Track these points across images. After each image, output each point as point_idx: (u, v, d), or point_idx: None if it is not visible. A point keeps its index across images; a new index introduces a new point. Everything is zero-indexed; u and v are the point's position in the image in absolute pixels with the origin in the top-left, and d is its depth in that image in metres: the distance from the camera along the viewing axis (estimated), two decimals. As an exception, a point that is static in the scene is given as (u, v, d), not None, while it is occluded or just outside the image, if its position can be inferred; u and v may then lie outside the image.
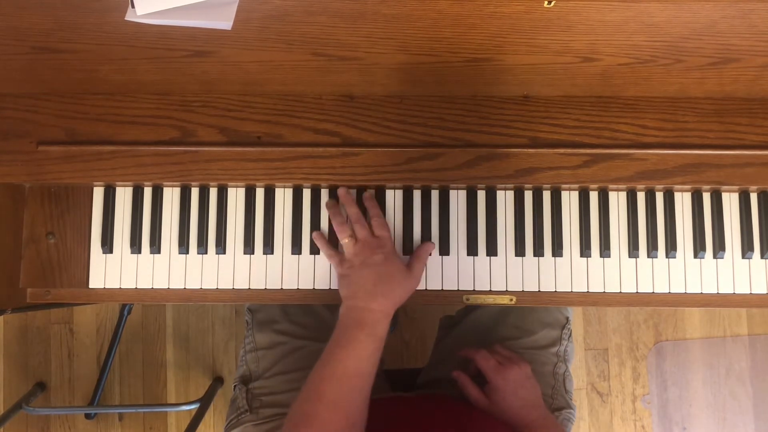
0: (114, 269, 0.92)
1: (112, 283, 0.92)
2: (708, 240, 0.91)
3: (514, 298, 0.91)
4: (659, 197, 0.92)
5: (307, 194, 0.93)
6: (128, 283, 0.92)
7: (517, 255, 0.91)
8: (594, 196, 0.92)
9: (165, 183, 0.92)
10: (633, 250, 0.91)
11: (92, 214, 0.93)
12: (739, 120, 0.88)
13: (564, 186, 0.91)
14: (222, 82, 0.87)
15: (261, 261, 0.92)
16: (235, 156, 0.88)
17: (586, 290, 0.91)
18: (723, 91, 0.87)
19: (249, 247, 0.92)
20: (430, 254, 0.91)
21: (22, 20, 0.77)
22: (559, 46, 0.80)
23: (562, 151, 0.87)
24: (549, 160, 0.88)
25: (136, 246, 0.92)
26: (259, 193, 0.93)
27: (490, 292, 0.91)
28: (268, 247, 0.92)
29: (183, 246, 0.92)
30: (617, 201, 0.92)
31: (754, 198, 0.91)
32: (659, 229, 0.91)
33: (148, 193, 0.93)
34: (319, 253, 0.92)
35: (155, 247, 0.92)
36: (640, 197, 0.92)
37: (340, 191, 0.90)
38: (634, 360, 1.73)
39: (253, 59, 0.83)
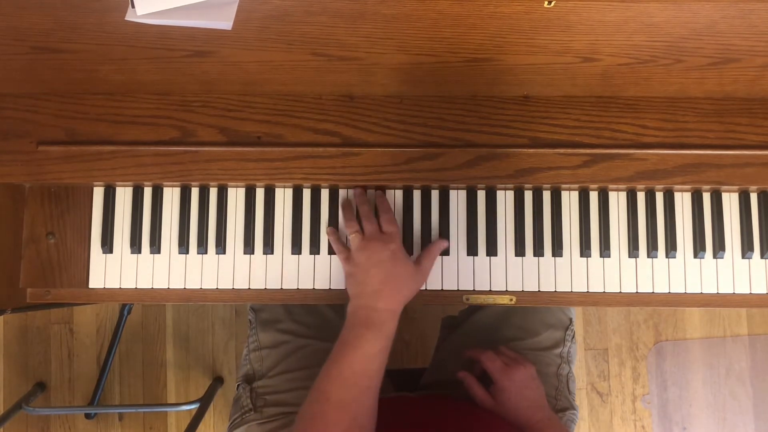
0: (114, 269, 0.92)
1: (112, 283, 0.92)
2: (708, 240, 0.91)
3: (514, 298, 0.91)
4: (659, 197, 0.92)
5: (307, 194, 0.93)
6: (128, 283, 0.92)
7: (517, 255, 0.91)
8: (594, 196, 0.92)
9: (165, 183, 0.92)
10: (633, 250, 0.91)
11: (92, 214, 0.93)
12: (739, 120, 0.88)
13: (564, 186, 0.91)
14: (222, 82, 0.87)
15: (261, 261, 0.92)
16: (235, 156, 0.88)
17: (586, 290, 0.91)
18: (723, 91, 0.87)
19: (249, 247, 0.92)
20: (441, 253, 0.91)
21: (22, 20, 0.77)
22: (559, 46, 0.80)
23: (562, 151, 0.87)
24: (549, 160, 0.88)
25: (136, 246, 0.92)
26: (259, 193, 0.93)
27: (490, 292, 0.91)
28: (268, 247, 0.92)
29: (183, 246, 0.92)
30: (617, 201, 0.92)
31: (754, 198, 0.91)
32: (659, 229, 0.91)
33: (148, 193, 0.93)
34: (319, 253, 0.92)
35: (155, 247, 0.92)
36: (640, 197, 0.92)
37: (356, 191, 0.91)
38: (634, 360, 1.73)
39: (253, 59, 0.83)
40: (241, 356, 1.07)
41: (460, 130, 0.88)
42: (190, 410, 1.50)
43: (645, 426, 1.73)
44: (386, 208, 0.89)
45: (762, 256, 0.91)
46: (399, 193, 0.93)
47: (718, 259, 0.91)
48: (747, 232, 0.91)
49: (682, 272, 0.91)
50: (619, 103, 0.88)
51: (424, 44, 0.80)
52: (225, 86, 0.87)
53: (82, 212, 0.93)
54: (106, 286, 0.92)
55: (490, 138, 0.88)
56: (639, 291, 0.91)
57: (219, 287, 0.92)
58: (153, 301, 0.94)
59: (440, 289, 0.91)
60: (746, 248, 0.91)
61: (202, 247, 0.92)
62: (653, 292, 0.91)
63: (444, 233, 0.92)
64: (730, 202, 0.92)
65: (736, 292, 0.91)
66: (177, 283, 0.92)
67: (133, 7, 0.73)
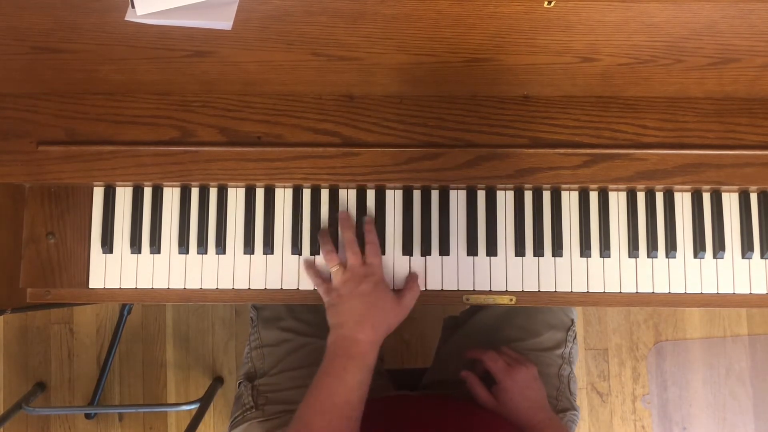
0: (114, 269, 0.92)
1: (112, 283, 0.92)
2: (708, 240, 0.91)
3: (514, 298, 0.91)
4: (659, 197, 0.92)
5: (307, 194, 0.93)
6: (128, 283, 0.92)
7: (517, 255, 0.91)
8: (594, 196, 0.92)
9: (165, 183, 0.92)
10: (633, 250, 0.91)
11: (92, 214, 0.93)
12: (739, 120, 0.88)
13: (564, 186, 0.91)
14: (222, 82, 0.87)
15: (261, 261, 0.92)
16: (235, 156, 0.88)
17: (586, 290, 0.91)
18: (723, 91, 0.87)
19: (249, 247, 0.92)
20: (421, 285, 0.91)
21: (22, 20, 0.77)
22: (559, 46, 0.80)
23: (562, 151, 0.87)
24: (549, 160, 0.88)
25: (136, 246, 0.92)
26: (259, 193, 0.93)
27: (490, 292, 0.91)
28: (268, 247, 0.92)
29: (183, 246, 0.92)
30: (617, 201, 0.92)
31: (754, 198, 0.91)
32: (659, 229, 0.91)
33: (148, 193, 0.93)
34: (319, 254, 0.92)
35: (155, 247, 0.92)
36: (640, 197, 0.92)
37: (342, 214, 0.90)
38: (634, 360, 1.73)
39: (253, 59, 0.83)
40: (241, 356, 1.07)
41: (460, 130, 0.88)
42: (190, 410, 1.50)
43: (645, 426, 1.73)
44: (372, 239, 0.88)
45: (762, 256, 0.91)
46: (399, 193, 0.93)
47: (718, 259, 0.91)
48: (747, 232, 0.91)
49: (682, 272, 0.91)
50: (619, 103, 0.88)
51: (424, 44, 0.80)
52: (225, 86, 0.87)
53: (82, 212, 0.93)
54: (106, 286, 0.92)
55: (490, 138, 0.88)
56: (639, 291, 0.91)
57: (219, 287, 0.92)
58: (153, 301, 0.93)
59: (440, 289, 0.91)
60: (746, 248, 0.91)
61: (202, 247, 0.92)
62: (653, 292, 0.91)
63: (444, 233, 0.92)
64: (730, 202, 0.92)
65: (736, 292, 0.91)
66: (177, 283, 0.92)
67: (133, 7, 0.73)
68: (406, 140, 0.88)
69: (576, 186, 0.91)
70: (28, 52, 0.81)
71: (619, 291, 0.91)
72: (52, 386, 1.72)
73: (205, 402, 1.53)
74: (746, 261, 0.91)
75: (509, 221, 0.92)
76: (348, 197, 0.93)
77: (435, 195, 0.93)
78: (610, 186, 0.90)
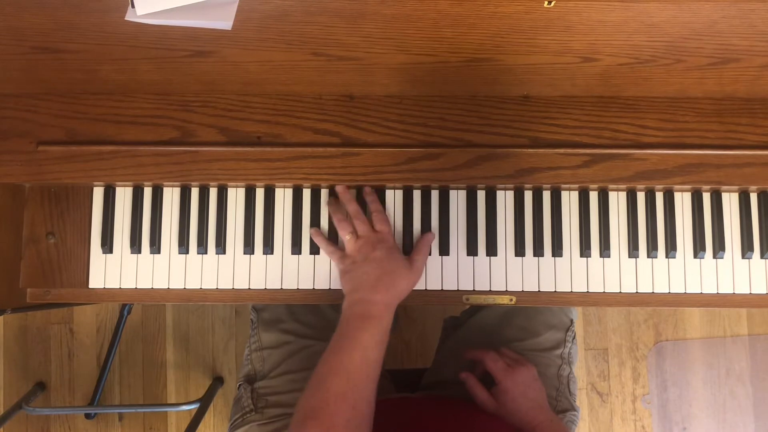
0: (114, 269, 0.92)
1: (112, 283, 0.92)
2: (708, 240, 0.91)
3: (514, 298, 0.91)
4: (659, 197, 0.92)
5: (307, 194, 0.93)
6: (128, 283, 0.92)
7: (516, 255, 0.91)
8: (594, 196, 0.92)
9: (165, 183, 0.92)
10: (633, 250, 0.91)
11: (92, 214, 0.93)
12: (739, 120, 0.88)
13: (564, 186, 0.91)
14: (222, 82, 0.87)
15: (261, 261, 0.92)
16: (235, 156, 0.88)
17: (586, 290, 0.91)
18: (723, 91, 0.87)
19: (249, 247, 0.92)
20: (431, 251, 0.91)
21: (22, 20, 0.77)
22: (559, 46, 0.80)
23: (562, 151, 0.87)
24: (549, 160, 0.88)
25: (136, 246, 0.92)
26: (259, 193, 0.93)
27: (490, 292, 0.91)
28: (268, 247, 0.92)
29: (183, 246, 0.92)
30: (617, 201, 0.92)
31: (754, 198, 0.91)
32: (659, 229, 0.91)
33: (148, 193, 0.93)
34: (319, 253, 0.92)
35: (155, 247, 0.92)
36: (640, 197, 0.92)
37: (339, 188, 0.90)
38: (634, 360, 1.73)
39: (253, 59, 0.83)
40: (241, 356, 1.07)
41: (460, 130, 0.88)
42: (190, 410, 1.50)
43: (645, 426, 1.73)
44: (377, 207, 0.90)
45: (762, 256, 0.91)
46: (399, 193, 0.93)
47: (718, 259, 0.91)
48: (747, 232, 0.91)
49: (682, 272, 0.91)
50: (619, 103, 0.88)
51: (424, 44, 0.80)
52: (225, 86, 0.87)
53: (82, 212, 0.93)
54: (106, 286, 0.92)
55: (490, 138, 0.88)
56: (639, 291, 0.91)
57: (219, 287, 0.92)
58: (153, 301, 0.94)
59: (440, 289, 0.91)
60: (746, 248, 0.91)
61: (202, 247, 0.92)
62: (653, 292, 0.91)
63: (444, 233, 0.92)
64: (730, 202, 0.92)
65: (736, 292, 0.91)
66: (177, 283, 0.92)
67: (133, 7, 0.73)
68: (406, 140, 0.88)
69: (576, 186, 0.91)
70: (28, 52, 0.81)
71: (619, 291, 0.91)
72: (52, 386, 1.72)
73: (205, 402, 1.53)
74: (746, 261, 0.91)
75: (509, 221, 0.92)
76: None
77: (435, 195, 0.93)
78: (610, 186, 0.90)
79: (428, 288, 0.91)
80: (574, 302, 0.92)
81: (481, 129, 0.88)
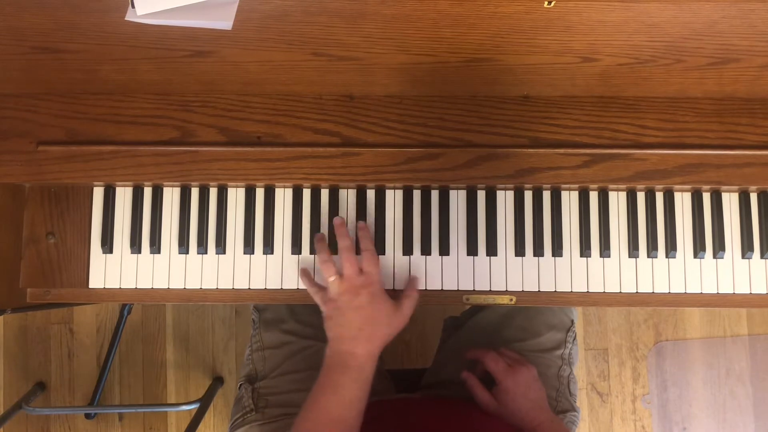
0: (114, 269, 0.92)
1: (112, 283, 0.92)
2: (708, 240, 0.91)
3: (514, 298, 0.91)
4: (659, 197, 0.92)
5: (307, 194, 0.93)
6: (128, 283, 0.92)
7: (516, 255, 0.91)
8: (594, 196, 0.92)
9: (165, 183, 0.92)
10: (633, 250, 0.91)
11: (92, 214, 0.93)
12: (739, 120, 0.88)
13: (564, 186, 0.91)
14: (222, 82, 0.87)
15: (261, 261, 0.92)
16: (235, 156, 0.88)
17: (586, 290, 0.91)
18: (723, 91, 0.87)
19: (249, 247, 0.92)
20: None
21: (22, 20, 0.77)
22: (559, 46, 0.80)
23: (562, 151, 0.87)
24: (549, 160, 0.88)
25: (136, 246, 0.92)
26: (259, 193, 0.93)
27: (490, 292, 0.91)
28: (268, 247, 0.92)
29: (183, 246, 0.92)
30: (617, 201, 0.92)
31: (754, 198, 0.91)
32: (659, 229, 0.91)
33: (148, 193, 0.93)
34: (319, 253, 0.92)
35: (155, 247, 0.92)
36: (640, 197, 0.92)
37: (336, 221, 0.89)
38: (634, 360, 1.73)
39: (253, 59, 0.83)
40: (241, 356, 1.07)
41: (460, 130, 0.88)
42: (190, 410, 1.50)
43: (645, 426, 1.73)
44: (367, 245, 0.87)
45: (762, 256, 0.91)
46: (399, 193, 0.93)
47: (718, 259, 0.91)
48: (747, 232, 0.91)
49: (682, 272, 0.91)
50: (619, 103, 0.88)
51: (424, 44, 0.80)
52: (225, 86, 0.87)
53: (82, 212, 0.93)
54: (106, 286, 0.92)
55: (490, 138, 0.88)
56: (639, 291, 0.91)
57: (219, 287, 0.92)
58: (153, 301, 0.94)
59: (440, 289, 0.91)
60: (746, 248, 0.91)
61: (202, 247, 0.92)
62: (653, 292, 0.91)
63: (444, 233, 0.92)
64: (730, 202, 0.92)
65: (736, 292, 0.91)
66: (177, 283, 0.92)
67: (133, 7, 0.73)
68: (406, 140, 0.88)
69: (576, 186, 0.91)
70: (28, 52, 0.81)
71: (619, 291, 0.91)
72: (52, 386, 1.72)
73: (205, 402, 1.53)
74: (746, 261, 0.91)
75: (509, 221, 0.92)
76: (348, 197, 0.93)
77: (435, 195, 0.93)
78: (610, 186, 0.90)
79: (428, 288, 0.91)
80: (574, 302, 0.92)
81: (481, 129, 0.88)
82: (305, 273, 0.90)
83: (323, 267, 0.86)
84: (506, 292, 0.91)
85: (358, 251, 0.88)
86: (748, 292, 0.91)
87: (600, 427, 1.72)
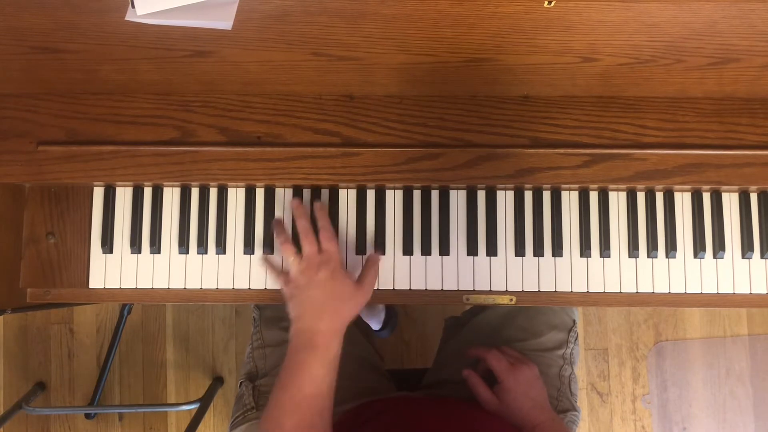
0: (114, 269, 0.92)
1: (112, 283, 0.92)
2: (708, 240, 0.91)
3: (514, 298, 0.91)
4: (659, 197, 0.92)
5: (307, 194, 0.93)
6: (128, 283, 0.92)
7: (517, 255, 0.91)
8: (594, 196, 0.92)
9: (165, 183, 0.92)
10: (633, 250, 0.91)
11: (92, 214, 0.93)
12: (739, 120, 0.88)
13: (564, 186, 0.91)
14: (222, 82, 0.87)
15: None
16: (235, 156, 0.88)
17: (586, 290, 0.91)
18: (723, 91, 0.87)
19: (249, 247, 0.92)
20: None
21: (22, 20, 0.77)
22: (559, 46, 0.80)
23: (562, 151, 0.87)
24: (549, 160, 0.88)
25: (136, 246, 0.92)
26: (259, 193, 0.93)
27: (490, 292, 0.91)
28: (268, 247, 0.92)
29: (183, 246, 0.92)
30: (617, 201, 0.92)
31: (754, 198, 0.91)
32: (659, 229, 0.91)
33: (148, 193, 0.93)
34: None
35: (155, 247, 0.92)
36: (640, 197, 0.92)
37: (293, 202, 0.89)
38: (634, 360, 1.73)
39: (253, 59, 0.83)
40: (241, 356, 1.07)
41: (460, 130, 0.88)
42: (190, 410, 1.50)
43: (645, 426, 1.73)
44: (324, 223, 0.87)
45: (762, 256, 0.91)
46: (399, 193, 0.93)
47: (718, 259, 0.91)
48: (747, 232, 0.91)
49: (682, 272, 0.91)
50: (619, 103, 0.88)
51: (424, 44, 0.80)
52: (225, 86, 0.87)
53: (82, 212, 0.93)
54: (106, 286, 0.92)
55: (490, 138, 0.88)
56: (639, 291, 0.91)
57: (219, 287, 0.92)
58: (153, 301, 0.94)
59: (440, 289, 0.91)
60: (746, 248, 0.91)
61: (202, 247, 0.92)
62: (653, 292, 0.91)
63: (444, 233, 0.92)
64: (730, 202, 0.92)
65: (736, 292, 0.91)
66: (177, 283, 0.92)
67: (133, 7, 0.73)
68: (406, 140, 0.88)
69: (576, 186, 0.91)
70: (28, 52, 0.81)
71: (619, 291, 0.91)
72: (52, 386, 1.72)
73: (205, 402, 1.53)
74: (746, 261, 0.91)
75: (509, 221, 0.92)
76: (348, 197, 0.93)
77: (435, 195, 0.93)
78: (610, 186, 0.90)
79: (428, 288, 0.91)
80: (574, 302, 0.92)
81: (481, 129, 0.88)
82: (267, 259, 0.90)
83: (282, 248, 0.86)
84: (506, 292, 0.91)
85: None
86: (748, 292, 0.91)
87: (600, 427, 1.73)
